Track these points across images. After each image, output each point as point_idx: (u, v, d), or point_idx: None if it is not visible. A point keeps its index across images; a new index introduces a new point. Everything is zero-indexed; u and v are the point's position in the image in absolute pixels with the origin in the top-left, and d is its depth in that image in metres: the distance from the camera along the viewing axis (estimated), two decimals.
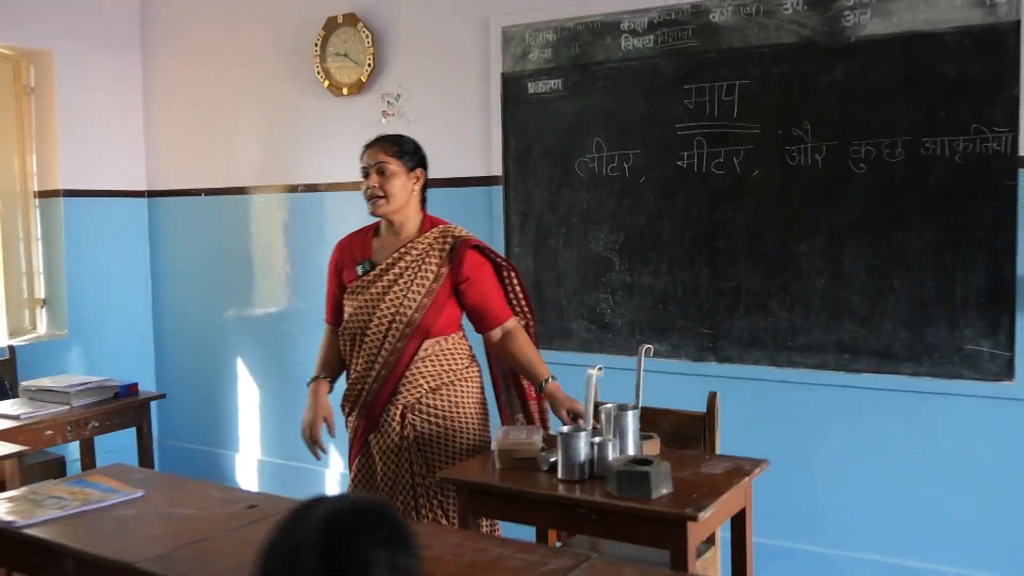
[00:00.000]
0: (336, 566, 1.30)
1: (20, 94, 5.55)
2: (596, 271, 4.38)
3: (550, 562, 2.12)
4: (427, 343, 3.19)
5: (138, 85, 5.96)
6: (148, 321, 6.05)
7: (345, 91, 5.08)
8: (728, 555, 3.01)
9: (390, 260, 3.19)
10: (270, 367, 5.58)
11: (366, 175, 3.20)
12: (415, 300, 3.16)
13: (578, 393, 3.07)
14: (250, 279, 5.66)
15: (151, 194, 6.02)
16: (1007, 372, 3.57)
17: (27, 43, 5.43)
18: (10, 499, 2.68)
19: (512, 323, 3.27)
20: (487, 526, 3.17)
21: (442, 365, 3.22)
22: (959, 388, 3.66)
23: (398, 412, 3.18)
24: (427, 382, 3.19)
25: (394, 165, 3.18)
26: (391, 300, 3.16)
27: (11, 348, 5.03)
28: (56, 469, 4.47)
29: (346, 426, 3.35)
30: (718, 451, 3.21)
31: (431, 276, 3.17)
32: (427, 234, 3.22)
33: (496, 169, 4.63)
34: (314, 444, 3.26)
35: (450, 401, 3.22)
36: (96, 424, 4.21)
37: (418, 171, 3.26)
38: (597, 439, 2.78)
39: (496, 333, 3.25)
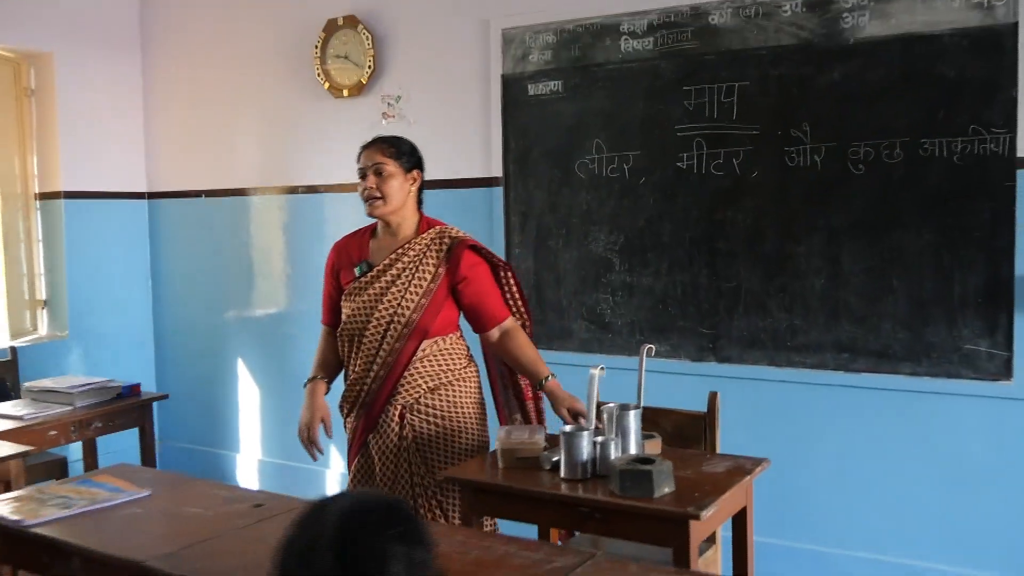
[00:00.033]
0: (353, 561, 1.32)
1: (21, 96, 5.56)
2: (596, 272, 4.40)
3: (555, 560, 2.14)
4: (425, 343, 3.20)
5: (138, 87, 5.98)
6: (148, 322, 6.07)
7: (345, 93, 5.10)
8: (728, 554, 3.04)
9: (387, 261, 3.20)
10: (270, 368, 5.60)
11: (363, 176, 3.21)
12: (413, 301, 3.17)
13: (579, 393, 3.09)
14: (250, 280, 5.67)
15: (151, 195, 6.04)
16: (1005, 372, 3.60)
17: (27, 45, 5.44)
18: (17, 498, 2.69)
19: (510, 322, 3.28)
20: (489, 525, 3.19)
21: (440, 365, 3.24)
22: (957, 388, 3.68)
23: (397, 412, 3.20)
24: (425, 382, 3.20)
25: (391, 166, 3.19)
26: (389, 301, 3.18)
27: (13, 349, 5.04)
28: (58, 470, 4.49)
29: (344, 427, 3.36)
30: (719, 450, 3.23)
31: (428, 277, 3.19)
32: (424, 235, 3.23)
33: (496, 170, 4.65)
34: (311, 444, 3.26)
35: (448, 401, 3.23)
36: (99, 425, 4.23)
37: (415, 172, 3.26)
38: (600, 438, 2.80)
39: (494, 333, 3.27)
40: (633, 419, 2.88)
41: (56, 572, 2.42)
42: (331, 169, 5.19)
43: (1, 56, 5.44)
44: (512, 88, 4.58)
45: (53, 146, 5.54)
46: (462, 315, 3.32)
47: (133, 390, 4.41)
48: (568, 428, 2.81)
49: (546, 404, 3.36)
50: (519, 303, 3.36)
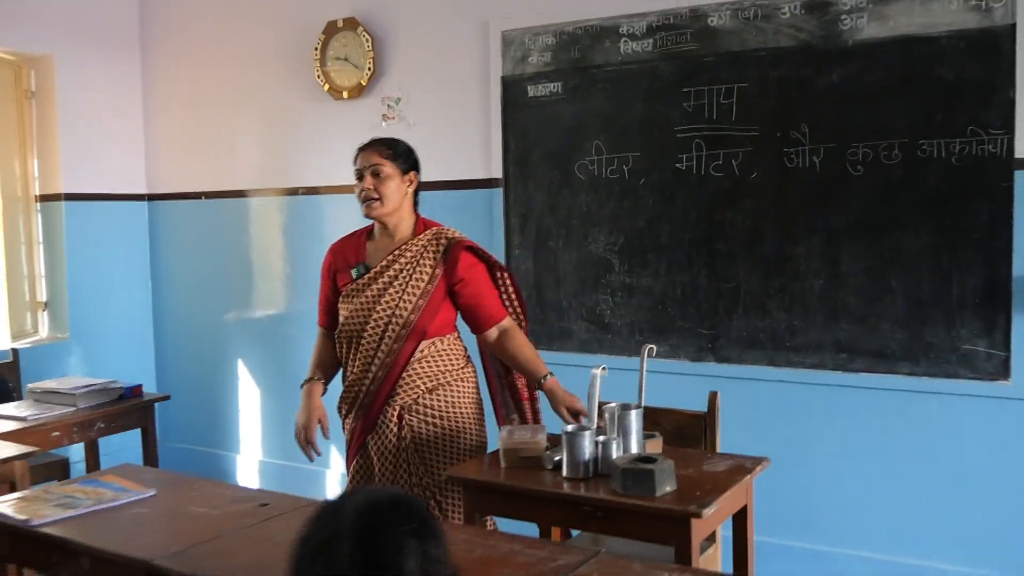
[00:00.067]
0: (371, 554, 1.35)
1: (21, 98, 5.58)
2: (596, 272, 4.42)
3: (560, 558, 2.16)
4: (423, 344, 3.21)
5: (138, 89, 5.99)
6: (149, 323, 6.08)
7: (345, 94, 5.12)
8: (728, 553, 3.05)
9: (385, 263, 3.21)
10: (270, 369, 5.61)
11: (360, 177, 3.21)
12: (411, 302, 3.18)
13: (579, 393, 3.11)
14: (250, 281, 5.69)
15: (151, 197, 6.05)
16: (1003, 372, 3.62)
17: (28, 48, 5.45)
18: (24, 498, 2.71)
19: (508, 322, 3.30)
20: (488, 524, 3.21)
21: (438, 366, 3.25)
22: (955, 387, 3.71)
23: (395, 413, 3.21)
24: (424, 383, 3.22)
25: (388, 168, 3.20)
26: (387, 302, 3.19)
27: (14, 351, 5.05)
28: (60, 470, 4.50)
29: (343, 428, 3.37)
30: (719, 450, 3.25)
31: (426, 278, 3.20)
32: (421, 236, 3.25)
33: (496, 172, 4.67)
34: (308, 445, 3.26)
35: (447, 401, 3.25)
36: (102, 425, 4.24)
37: (412, 174, 3.27)
38: (601, 438, 2.82)
39: (492, 332, 3.28)
40: (634, 419, 2.90)
41: (64, 571, 2.43)
42: (331, 171, 5.20)
43: (1, 59, 5.45)
44: (512, 90, 4.60)
45: (53, 148, 5.55)
46: (460, 316, 3.34)
47: (135, 391, 4.43)
48: (570, 428, 2.82)
49: (543, 404, 3.39)
50: (515, 304, 3.38)
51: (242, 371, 5.74)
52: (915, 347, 3.76)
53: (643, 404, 3.00)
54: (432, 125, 4.86)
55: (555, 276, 4.53)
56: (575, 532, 3.33)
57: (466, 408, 3.29)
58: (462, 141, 4.78)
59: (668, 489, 2.63)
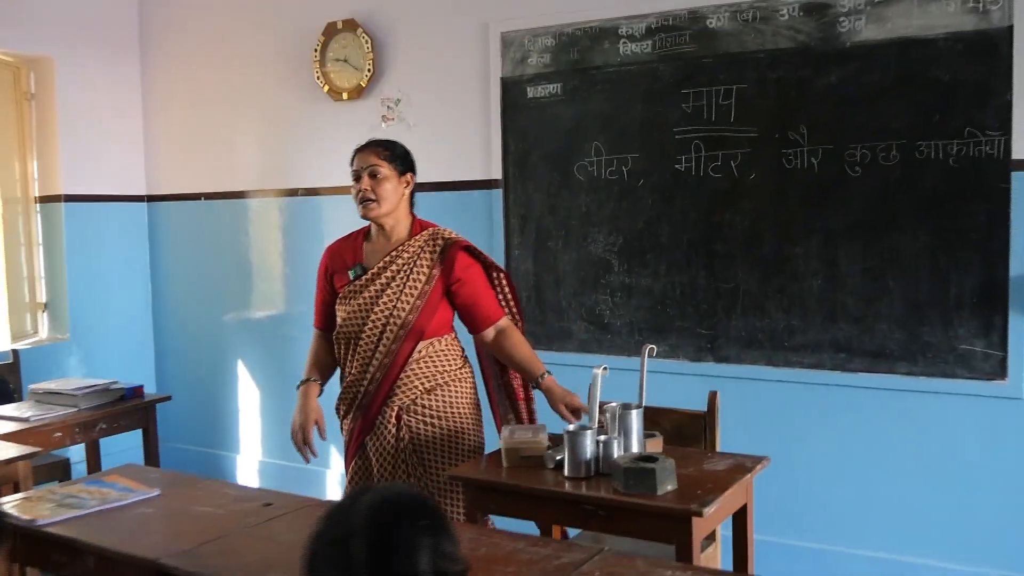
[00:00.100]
0: (385, 550, 1.37)
1: (21, 100, 5.59)
2: (595, 273, 4.44)
3: (563, 555, 2.18)
4: (421, 345, 3.23)
5: (138, 90, 6.00)
6: (148, 324, 6.10)
7: (345, 96, 5.13)
8: (727, 552, 3.07)
9: (382, 264, 3.22)
10: (270, 369, 5.63)
11: (357, 179, 3.23)
12: (408, 303, 3.20)
13: (579, 392, 3.13)
14: (250, 282, 5.70)
15: (151, 198, 6.06)
16: (1000, 371, 3.64)
17: (28, 50, 5.46)
18: (30, 499, 2.73)
19: (505, 321, 3.31)
20: (488, 525, 3.22)
21: (436, 366, 3.26)
22: (953, 387, 3.73)
23: (393, 414, 3.22)
24: (422, 383, 3.23)
25: (386, 169, 3.21)
26: (385, 303, 3.20)
27: (14, 352, 5.06)
28: (61, 471, 4.51)
29: (341, 429, 3.38)
30: (718, 449, 3.27)
31: (423, 278, 3.21)
32: (417, 237, 3.26)
33: (496, 173, 4.69)
34: (305, 446, 3.25)
35: (445, 402, 3.26)
36: (104, 426, 4.26)
37: (408, 176, 3.28)
38: (602, 437, 2.84)
39: (489, 332, 3.29)
40: (635, 418, 2.92)
41: (70, 571, 2.45)
42: (330, 172, 5.21)
43: (1, 61, 5.46)
44: (511, 91, 4.62)
45: (53, 150, 5.56)
46: (457, 316, 3.35)
47: (136, 392, 4.44)
48: (572, 427, 2.84)
49: (539, 404, 3.41)
50: (511, 304, 3.39)
51: (242, 371, 5.75)
52: (913, 347, 3.78)
53: (643, 404, 3.02)
54: (432, 126, 4.88)
55: (555, 276, 4.55)
56: (572, 532, 3.34)
57: (464, 408, 3.31)
58: (462, 142, 4.80)
59: (669, 488, 2.65)
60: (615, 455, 2.80)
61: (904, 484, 3.87)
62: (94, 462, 4.65)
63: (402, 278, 3.20)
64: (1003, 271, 3.60)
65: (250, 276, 5.69)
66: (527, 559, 2.16)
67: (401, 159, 3.27)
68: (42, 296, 5.67)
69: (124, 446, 4.89)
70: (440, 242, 3.25)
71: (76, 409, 4.16)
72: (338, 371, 3.41)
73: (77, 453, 4.85)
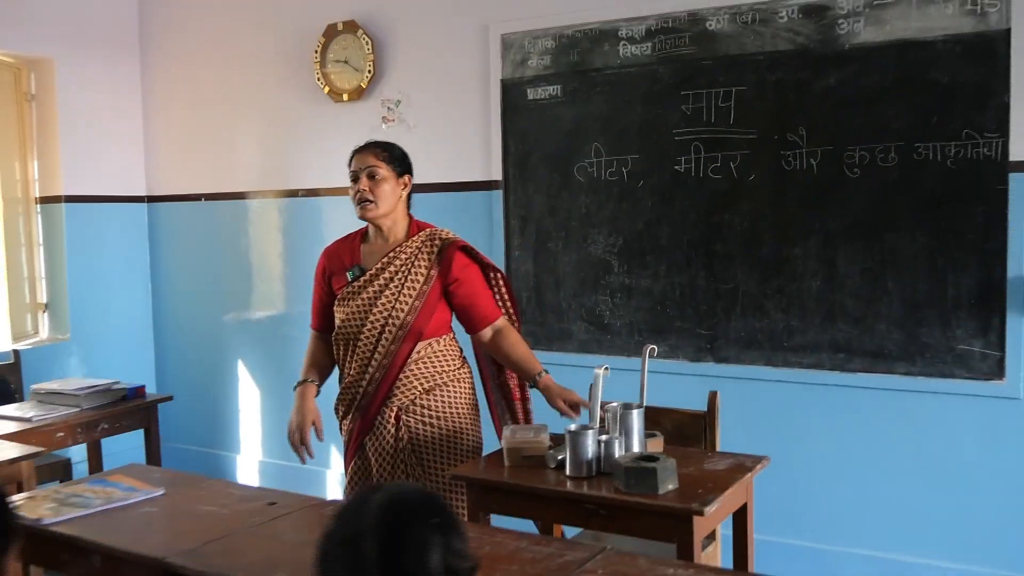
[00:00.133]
0: (395, 548, 1.39)
1: (21, 101, 5.59)
2: (595, 274, 4.46)
3: (566, 554, 2.20)
4: (420, 345, 3.24)
5: (138, 91, 6.02)
6: (149, 325, 6.11)
7: (345, 97, 5.14)
8: (727, 551, 3.09)
9: (380, 265, 3.23)
10: (270, 369, 5.64)
11: (355, 179, 3.24)
12: (407, 303, 3.21)
13: (580, 392, 3.16)
14: (250, 283, 5.71)
15: (151, 199, 6.07)
16: (998, 371, 3.66)
17: (28, 51, 5.47)
18: (33, 498, 2.74)
19: (502, 321, 3.32)
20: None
21: (435, 367, 3.27)
22: (951, 387, 3.75)
23: (392, 414, 3.23)
24: (421, 384, 3.24)
25: (384, 170, 3.22)
26: (383, 304, 3.21)
27: (15, 352, 5.07)
28: (62, 471, 4.52)
29: (340, 429, 3.39)
30: (718, 449, 3.28)
31: (421, 279, 3.23)
32: (415, 238, 3.27)
33: (496, 174, 4.70)
34: (302, 447, 3.26)
35: (443, 402, 3.27)
36: (105, 426, 4.27)
37: (406, 177, 3.30)
38: (604, 437, 2.85)
39: (487, 332, 3.30)
40: (636, 418, 2.93)
41: (76, 570, 2.47)
42: (330, 173, 5.22)
43: (2, 62, 5.47)
44: (511, 92, 4.63)
45: (53, 150, 5.57)
46: (454, 317, 3.36)
47: (138, 392, 4.46)
48: (573, 427, 2.86)
49: (535, 404, 3.43)
50: (508, 304, 3.41)
51: (242, 372, 5.76)
52: (911, 347, 3.80)
53: (644, 404, 3.04)
54: (432, 128, 4.89)
55: (555, 277, 4.57)
56: (570, 532, 3.34)
57: (463, 408, 3.32)
58: (462, 143, 4.81)
59: (670, 487, 2.66)
60: (616, 455, 2.82)
61: (903, 484, 3.89)
62: (95, 462, 4.66)
63: (400, 279, 3.22)
64: (1000, 272, 3.62)
65: (250, 277, 5.71)
66: (530, 558, 2.18)
67: (399, 160, 3.28)
68: (43, 296, 5.68)
69: (125, 446, 4.91)
70: (437, 243, 3.26)
71: (78, 409, 4.17)
72: (337, 372, 3.42)
73: (78, 453, 4.87)
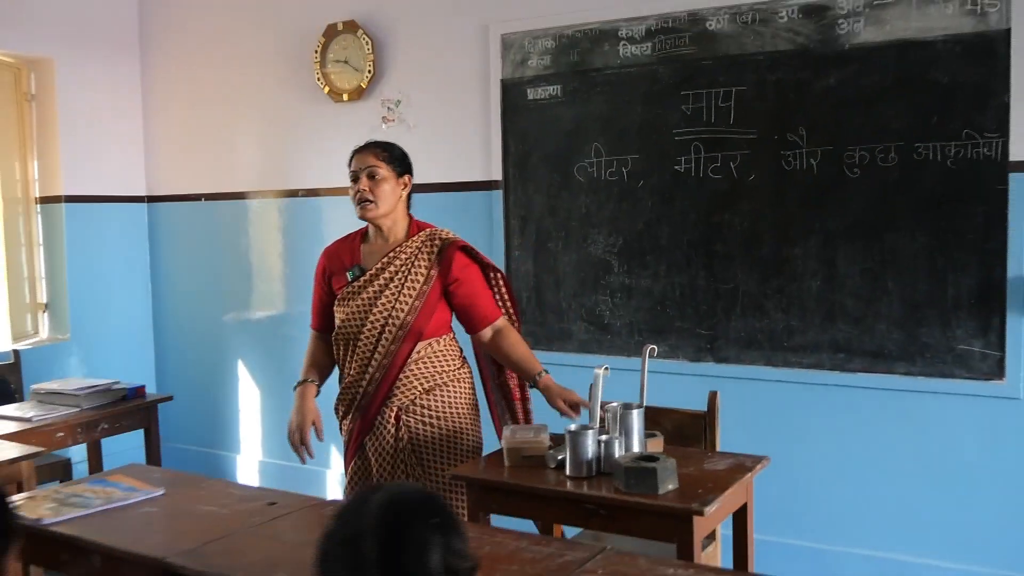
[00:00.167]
0: (395, 548, 1.39)
1: (21, 101, 5.59)
2: (595, 274, 4.46)
3: (566, 554, 2.20)
4: (420, 345, 3.24)
5: (138, 91, 6.02)
6: (149, 325, 6.11)
7: (345, 97, 5.14)
8: (727, 551, 3.09)
9: (380, 265, 3.23)
10: (270, 369, 5.64)
11: (355, 179, 3.24)
12: (407, 303, 3.21)
13: (580, 392, 3.16)
14: (250, 283, 5.71)
15: (151, 199, 6.07)
16: (997, 371, 3.66)
17: (28, 51, 5.47)
18: (35, 498, 2.74)
19: (502, 321, 3.32)
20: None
21: (435, 367, 3.28)
22: (951, 387, 3.75)
23: (392, 414, 3.23)
24: (421, 384, 3.24)
25: (384, 170, 3.22)
26: (383, 304, 3.21)
27: (15, 352, 5.07)
28: (62, 471, 4.52)
29: (340, 429, 3.39)
30: (718, 449, 3.28)
31: (421, 279, 3.23)
32: (415, 238, 3.27)
33: (496, 174, 4.70)
34: (302, 447, 3.26)
35: (443, 402, 3.27)
36: (105, 426, 4.27)
37: (406, 177, 3.30)
38: (604, 437, 2.85)
39: (487, 332, 3.31)
40: (636, 418, 2.93)
41: (76, 570, 2.47)
42: (331, 173, 5.21)
43: (2, 62, 5.47)
44: (511, 92, 4.63)
45: (54, 150, 5.58)
46: (454, 317, 3.36)
47: (138, 392, 4.46)
48: (573, 427, 2.86)
49: (535, 404, 3.43)
50: (509, 305, 3.41)
51: (242, 372, 5.77)
52: (911, 347, 3.80)
53: (644, 404, 3.04)
54: (432, 128, 4.89)
55: (555, 277, 4.57)
56: (570, 532, 3.35)
57: (463, 409, 3.32)
58: (462, 143, 4.81)
59: (670, 487, 2.67)
60: (616, 455, 2.82)
61: (903, 484, 3.89)
62: (95, 462, 4.66)
63: (400, 279, 3.22)
64: (1000, 272, 3.63)
65: (250, 276, 5.71)
66: (530, 558, 2.18)
67: (399, 161, 3.28)
68: (43, 296, 5.68)
69: (125, 446, 4.91)
70: (437, 242, 3.26)
71: (78, 409, 4.17)
72: (337, 372, 3.42)
73: (78, 453, 4.87)
